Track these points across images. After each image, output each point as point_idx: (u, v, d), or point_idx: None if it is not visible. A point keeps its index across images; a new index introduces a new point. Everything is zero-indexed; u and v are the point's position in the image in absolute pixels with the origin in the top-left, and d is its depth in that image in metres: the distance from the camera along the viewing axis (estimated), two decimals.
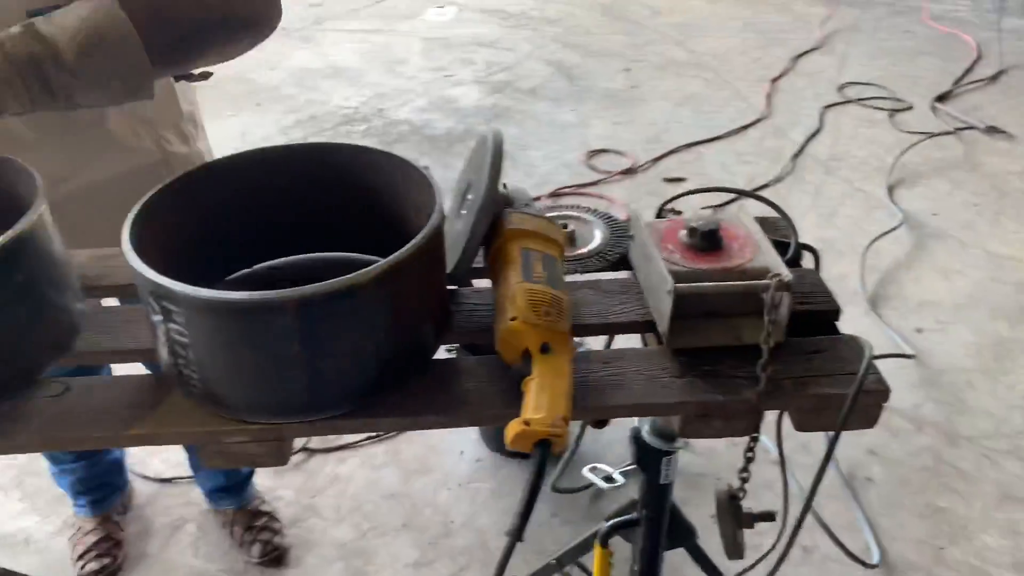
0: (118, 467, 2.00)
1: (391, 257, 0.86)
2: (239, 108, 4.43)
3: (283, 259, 1.18)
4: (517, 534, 0.81)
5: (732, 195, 2.81)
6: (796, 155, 3.77)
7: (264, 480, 2.14)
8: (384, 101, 4.50)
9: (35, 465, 2.17)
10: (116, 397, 0.94)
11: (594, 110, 4.36)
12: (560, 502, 2.05)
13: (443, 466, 2.18)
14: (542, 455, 0.84)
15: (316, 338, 0.85)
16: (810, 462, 2.16)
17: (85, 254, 1.17)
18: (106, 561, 1.88)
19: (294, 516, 2.04)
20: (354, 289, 0.84)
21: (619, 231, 1.23)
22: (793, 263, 1.17)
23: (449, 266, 1.08)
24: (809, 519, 1.95)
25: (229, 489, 1.95)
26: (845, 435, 2.30)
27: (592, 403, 0.95)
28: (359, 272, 0.84)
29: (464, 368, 0.99)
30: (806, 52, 4.93)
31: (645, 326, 1.08)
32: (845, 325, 1.08)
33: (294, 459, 2.20)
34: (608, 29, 5.58)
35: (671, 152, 3.86)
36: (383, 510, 2.05)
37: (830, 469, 2.14)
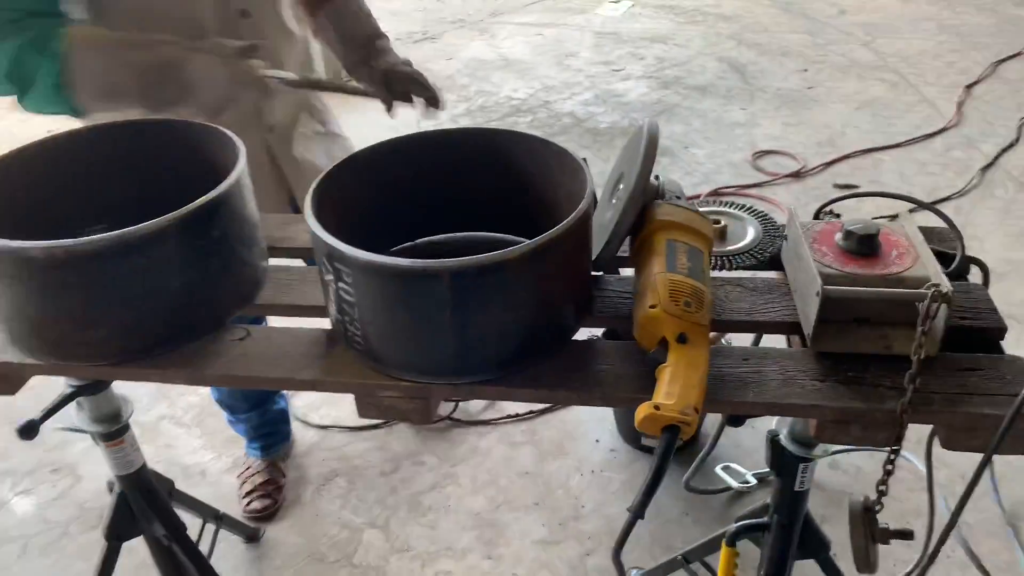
0: (284, 417, 2.20)
1: (539, 237, 0.91)
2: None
3: (443, 235, 1.26)
4: (639, 511, 0.84)
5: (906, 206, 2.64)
6: (986, 168, 3.49)
7: (409, 444, 2.27)
8: (551, 94, 4.58)
9: (214, 407, 2.41)
10: (289, 346, 1.05)
11: (765, 110, 4.22)
12: (693, 502, 2.04)
13: (578, 452, 2.22)
14: (669, 440, 0.86)
15: (466, 307, 0.91)
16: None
17: (273, 218, 1.30)
18: (268, 502, 2.07)
19: (433, 481, 2.15)
20: (503, 264, 0.90)
21: (773, 230, 1.22)
22: (958, 276, 1.11)
23: (596, 252, 1.11)
24: (962, 555, 1.84)
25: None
26: (1016, 472, 2.16)
27: (725, 397, 0.96)
28: (509, 249, 0.89)
29: (601, 350, 1.03)
30: (1010, 57, 4.53)
31: (790, 327, 1.07)
32: (1022, 352, 1.01)
33: (438, 427, 2.31)
34: (788, 27, 5.37)
35: (845, 157, 3.68)
36: (517, 486, 2.12)
37: (993, 505, 1.99)
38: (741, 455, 2.15)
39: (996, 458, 2.26)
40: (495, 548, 1.97)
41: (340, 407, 2.38)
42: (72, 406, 1.30)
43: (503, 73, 4.91)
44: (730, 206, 1.28)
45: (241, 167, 1.07)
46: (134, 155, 1.22)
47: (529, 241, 0.91)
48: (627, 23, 5.69)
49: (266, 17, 1.51)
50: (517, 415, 2.33)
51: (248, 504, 2.06)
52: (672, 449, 0.85)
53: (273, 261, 1.20)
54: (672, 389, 0.88)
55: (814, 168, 3.61)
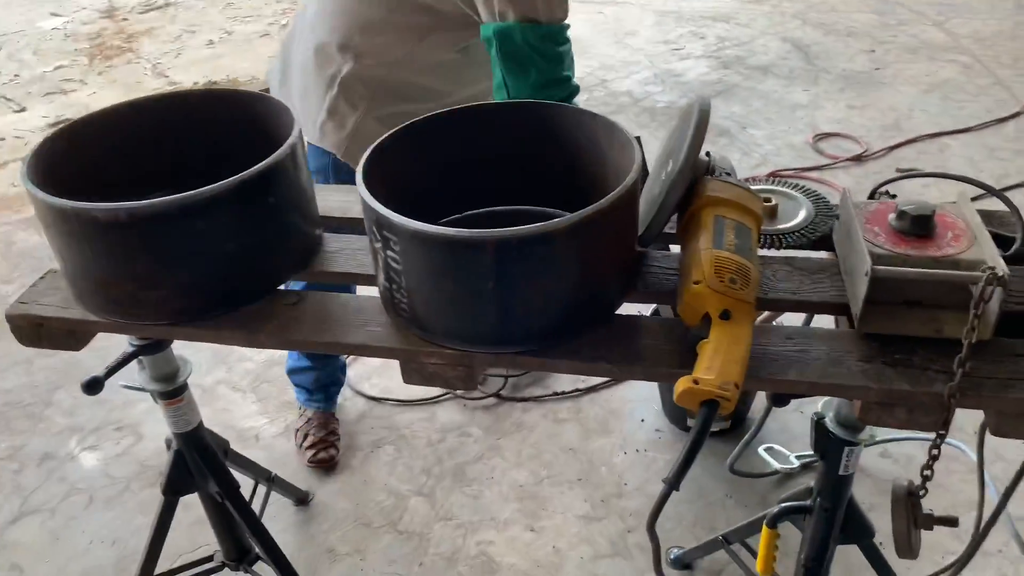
0: (343, 369, 2.28)
1: (585, 209, 0.91)
2: None
3: (488, 208, 1.28)
4: (674, 482, 0.84)
5: (982, 190, 2.55)
6: None
7: (457, 416, 2.30)
8: (609, 72, 4.53)
9: (269, 373, 2.49)
10: (339, 311, 1.08)
11: (828, 91, 4.11)
12: (737, 484, 2.03)
13: (622, 430, 2.22)
14: (707, 414, 0.86)
15: (509, 277, 0.92)
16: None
17: (329, 188, 1.33)
18: (333, 452, 2.15)
19: (479, 452, 2.18)
20: (548, 236, 0.91)
21: (825, 210, 1.20)
22: (1017, 260, 1.08)
23: (643, 227, 1.11)
24: (1015, 551, 1.80)
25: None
26: None
27: (767, 374, 0.95)
28: (554, 220, 0.90)
29: (644, 325, 1.03)
30: None
31: (839, 308, 1.06)
32: None
33: (485, 402, 2.34)
34: (857, 7, 5.21)
35: (910, 141, 3.57)
36: (561, 461, 2.14)
37: None
38: (788, 439, 2.13)
39: None
40: (537, 521, 1.99)
41: (391, 378, 2.42)
42: (135, 365, 1.36)
43: None
44: (784, 185, 1.26)
45: (295, 136, 1.09)
46: (196, 124, 1.25)
47: (574, 213, 0.91)
48: (690, 1, 5.58)
49: None
50: (563, 393, 2.34)
51: (315, 455, 2.14)
52: (710, 423, 0.86)
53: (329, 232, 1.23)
54: (712, 364, 0.88)
55: (877, 152, 3.51)
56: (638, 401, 2.30)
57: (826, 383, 0.94)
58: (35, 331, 1.11)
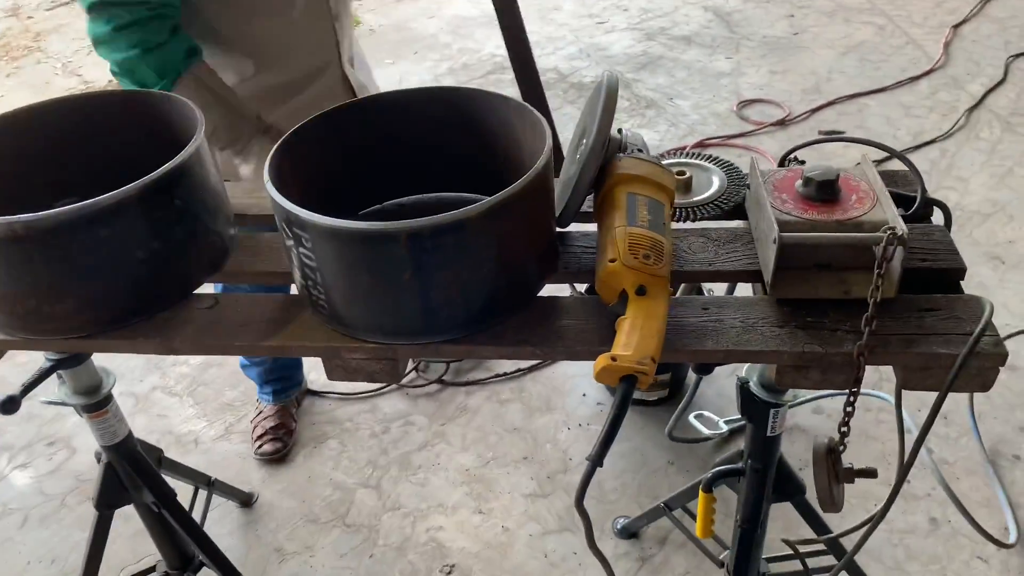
0: (296, 363, 2.25)
1: (497, 195, 0.91)
2: (398, 56, 4.60)
3: (409, 197, 1.27)
4: (597, 459, 0.86)
5: (887, 152, 2.62)
6: (971, 109, 3.46)
7: (400, 405, 2.29)
8: (535, 49, 4.50)
9: (205, 375, 2.44)
10: (257, 312, 1.07)
11: (751, 58, 4.17)
12: (678, 451, 2.07)
13: (565, 406, 2.25)
14: (626, 389, 0.87)
15: (426, 268, 0.92)
16: (950, 434, 2.05)
17: (240, 186, 1.30)
18: (278, 445, 2.13)
19: (424, 440, 2.18)
20: (462, 223, 0.90)
21: (737, 180, 1.22)
22: (919, 219, 1.12)
23: (560, 208, 1.12)
24: (942, 493, 1.88)
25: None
26: (996, 410, 2.20)
27: (685, 346, 0.97)
28: (467, 208, 0.90)
29: (564, 305, 1.04)
30: None
31: (753, 276, 1.08)
32: (1006, 292, 1.02)
33: (428, 389, 2.34)
34: None
35: (830, 103, 3.65)
36: (506, 442, 2.15)
37: (974, 443, 2.02)
38: (725, 404, 2.18)
39: (977, 397, 2.29)
40: (485, 503, 2.01)
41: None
42: (55, 380, 1.32)
43: (486, 30, 4.84)
44: (696, 157, 1.28)
45: (200, 137, 1.06)
46: (99, 127, 1.21)
47: (487, 199, 0.91)
48: None
49: None
50: (506, 373, 2.35)
51: (259, 447, 2.13)
52: (629, 398, 0.87)
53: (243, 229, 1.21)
54: (630, 340, 0.89)
55: (799, 115, 3.59)
56: (579, 376, 2.32)
57: (741, 350, 0.96)
58: None
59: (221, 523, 1.97)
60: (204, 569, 1.66)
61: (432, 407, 2.30)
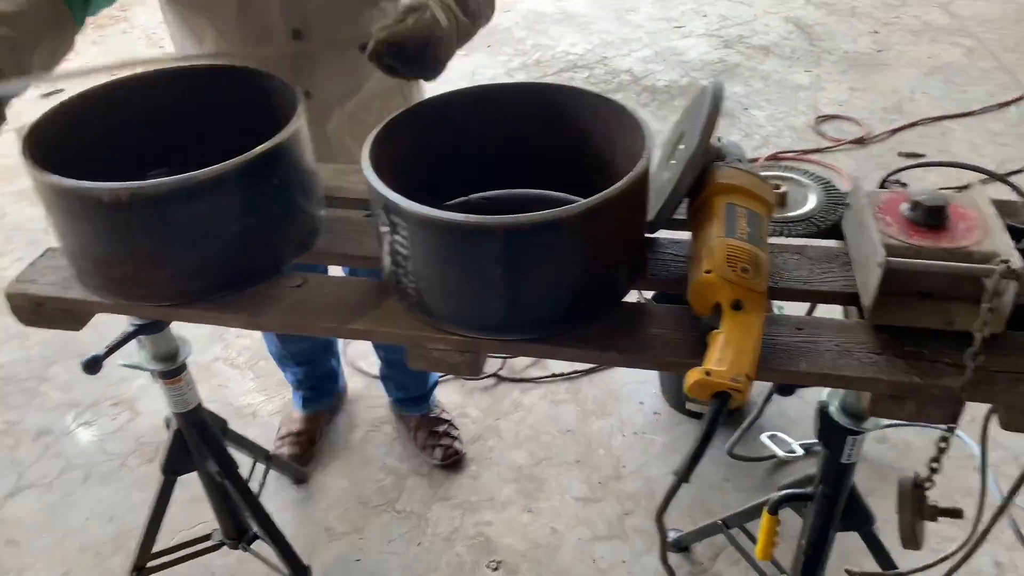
0: (332, 376, 2.22)
1: (595, 197, 0.90)
2: (471, 48, 4.58)
3: (497, 191, 1.26)
4: (684, 474, 0.84)
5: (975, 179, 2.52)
6: None
7: (454, 397, 2.30)
8: (609, 49, 4.49)
9: (267, 350, 2.47)
10: (344, 295, 1.07)
11: (831, 73, 4.08)
12: (735, 468, 2.03)
13: (621, 413, 2.22)
14: (719, 406, 0.85)
15: (519, 264, 0.91)
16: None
17: (329, 168, 1.31)
18: (296, 451, 2.10)
19: (477, 433, 2.18)
20: (557, 223, 0.89)
21: (835, 198, 1.18)
22: None
23: (652, 214, 1.10)
24: (1011, 537, 1.81)
25: (415, 399, 2.13)
26: None
27: (777, 365, 0.94)
28: (564, 207, 0.89)
29: (652, 313, 1.02)
30: None
31: (848, 298, 1.05)
32: None
33: (483, 383, 2.34)
34: None
35: (912, 124, 3.55)
36: (559, 443, 2.14)
37: None
38: (786, 425, 2.13)
39: None
40: (535, 502, 2.00)
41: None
42: (134, 344, 1.35)
43: (561, 27, 4.83)
44: (793, 171, 1.25)
45: (299, 116, 1.07)
46: (197, 100, 1.23)
47: (584, 200, 0.90)
48: None
49: None
50: (562, 374, 2.34)
51: (278, 447, 2.11)
52: (720, 415, 0.85)
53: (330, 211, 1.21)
54: (724, 355, 0.87)
55: (879, 135, 3.49)
56: (636, 383, 2.30)
57: (836, 375, 0.93)
58: (34, 311, 1.10)
59: (274, 498, 2.00)
60: (257, 541, 1.69)
61: (487, 401, 2.29)
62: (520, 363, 2.39)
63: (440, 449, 2.08)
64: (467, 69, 4.32)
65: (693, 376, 0.86)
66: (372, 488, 2.05)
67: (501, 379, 2.35)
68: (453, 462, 2.08)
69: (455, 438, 2.12)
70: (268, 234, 1.06)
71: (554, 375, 2.34)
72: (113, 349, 1.25)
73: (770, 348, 0.96)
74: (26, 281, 1.11)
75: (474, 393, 2.32)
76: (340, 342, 2.27)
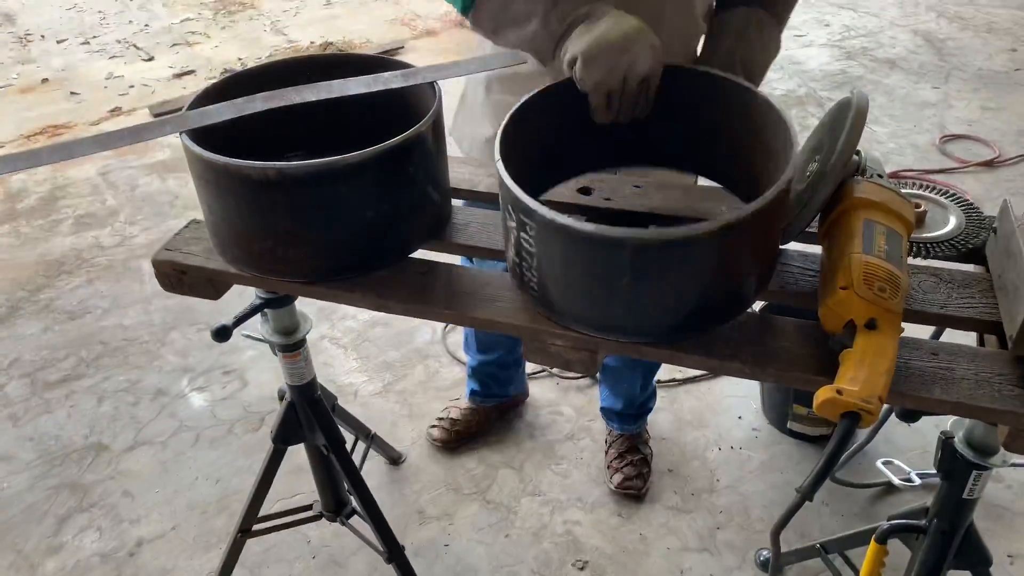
0: (507, 379, 2.15)
1: (728, 215, 0.88)
2: None
3: (621, 167, 1.25)
4: (808, 493, 0.82)
5: None
6: None
7: (549, 394, 2.31)
8: None
9: (371, 332, 2.55)
10: (467, 284, 1.09)
11: (961, 90, 3.89)
12: (835, 492, 1.97)
13: (718, 425, 2.19)
14: (848, 426, 0.83)
15: (646, 276, 0.90)
16: None
17: (456, 160, 1.34)
18: (444, 436, 2.12)
19: (570, 431, 2.19)
20: (689, 241, 0.88)
21: (978, 221, 1.13)
22: None
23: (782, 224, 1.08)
24: None
25: (619, 415, 2.06)
26: None
27: (910, 391, 0.91)
28: (696, 226, 0.87)
29: (778, 325, 1.00)
30: None
31: (989, 326, 1.00)
32: None
33: (579, 382, 2.34)
34: (1000, 1, 4.89)
35: None
36: (653, 450, 2.12)
37: None
38: (892, 452, 2.05)
39: None
40: (625, 507, 1.98)
41: None
42: (257, 316, 1.41)
43: None
44: (931, 190, 1.20)
45: (437, 109, 1.10)
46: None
47: (720, 218, 0.88)
48: None
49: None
50: (659, 381, 2.31)
51: (431, 426, 2.15)
52: (851, 435, 0.83)
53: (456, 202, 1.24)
54: (857, 375, 0.85)
55: (1011, 158, 3.31)
56: (736, 397, 2.25)
57: (972, 405, 0.89)
58: (178, 278, 1.16)
59: (370, 476, 2.04)
60: (354, 517, 1.74)
61: (581, 400, 2.29)
62: None
63: (620, 475, 2.00)
64: None
65: (824, 394, 0.84)
66: (464, 476, 2.08)
67: (597, 380, 2.34)
68: (628, 494, 1.99)
69: (641, 475, 2.00)
70: (399, 221, 1.10)
71: None
72: (241, 320, 1.31)
73: (902, 371, 0.92)
74: (172, 250, 1.18)
75: (569, 391, 2.33)
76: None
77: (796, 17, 4.83)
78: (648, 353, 1.00)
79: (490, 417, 2.20)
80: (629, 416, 2.06)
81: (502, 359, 2.08)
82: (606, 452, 2.08)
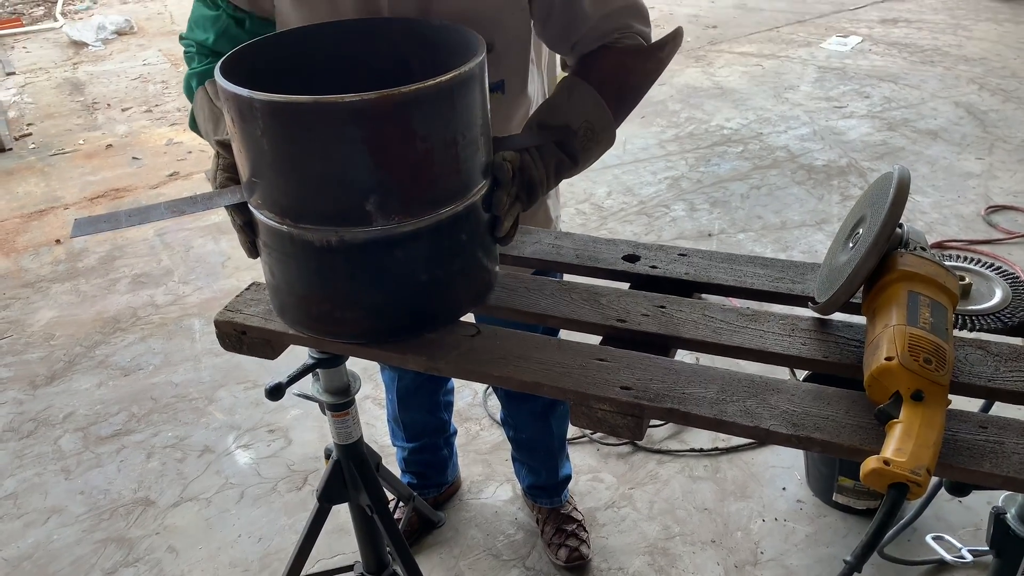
0: (441, 466, 2.15)
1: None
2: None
3: None
4: (857, 565, 0.82)
5: None
6: None
7: (589, 460, 2.30)
8: (765, 126, 4.46)
9: None
10: (513, 347, 1.12)
11: (1005, 161, 3.88)
12: (884, 569, 1.92)
13: (762, 496, 2.15)
14: (896, 497, 0.83)
15: None
16: None
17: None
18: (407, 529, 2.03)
19: (610, 499, 2.17)
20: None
21: (1023, 295, 1.14)
22: None
23: (826, 295, 1.10)
24: None
25: (546, 488, 2.06)
26: None
27: (958, 463, 0.91)
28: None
29: (823, 394, 1.01)
30: None
31: None
32: None
33: (619, 449, 2.33)
34: None
35: None
36: (694, 520, 2.09)
37: None
38: (942, 528, 1.99)
39: None
40: None
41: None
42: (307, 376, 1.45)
43: (716, 102, 4.85)
44: (976, 263, 1.21)
45: (488, 175, 1.15)
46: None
47: None
48: (854, 59, 5.43)
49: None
50: (702, 450, 2.30)
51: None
52: (899, 507, 0.83)
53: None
54: (904, 446, 0.85)
55: None
56: (780, 467, 2.23)
57: None
58: (238, 338, 1.21)
59: (409, 538, 2.05)
60: None
61: (622, 468, 2.28)
62: (658, 433, 2.37)
63: (566, 550, 2.00)
64: (619, 139, 4.41)
65: (871, 464, 0.84)
66: (504, 542, 2.07)
67: (638, 448, 2.33)
68: (576, 566, 2.00)
69: (583, 540, 2.03)
70: (450, 285, 1.14)
71: (693, 450, 2.31)
72: (294, 379, 1.35)
73: (950, 444, 0.92)
74: (233, 311, 1.23)
75: (609, 459, 2.32)
76: (456, 429, 2.20)
77: (836, 87, 4.90)
78: (695, 420, 1.01)
79: (425, 508, 2.03)
80: (554, 486, 2.06)
81: (433, 443, 2.08)
82: (542, 532, 2.06)
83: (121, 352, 2.90)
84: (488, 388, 2.56)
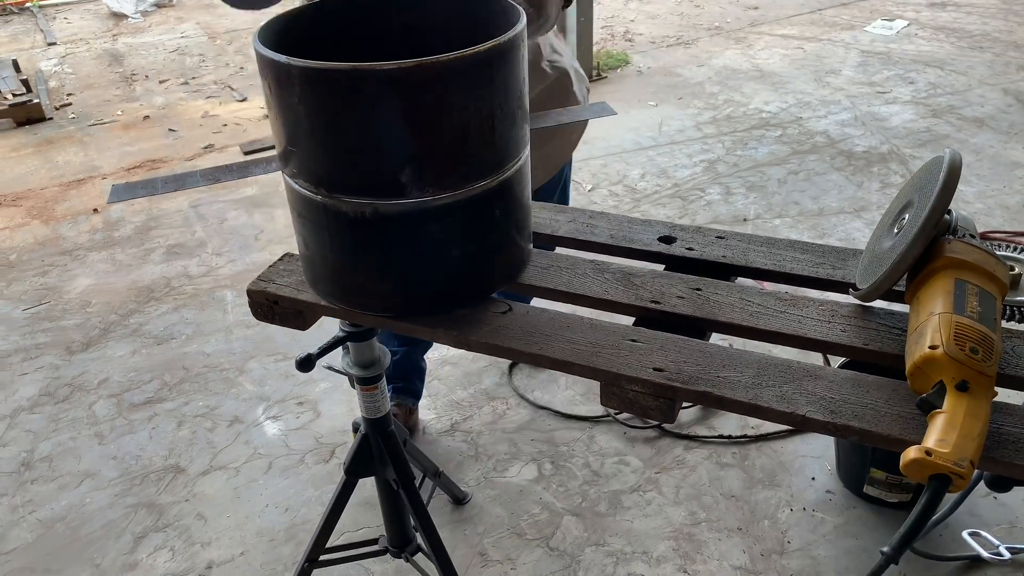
0: (419, 375, 2.36)
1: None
2: (661, 99, 4.64)
3: None
4: (895, 555, 0.80)
5: None
6: None
7: (616, 443, 2.29)
8: (805, 110, 4.38)
9: (441, 371, 2.58)
10: (542, 325, 1.11)
11: None
12: (915, 564, 1.88)
13: (791, 485, 2.13)
14: (937, 489, 0.81)
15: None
16: None
17: (537, 205, 1.37)
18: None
19: (636, 483, 2.16)
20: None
21: None
22: None
23: (868, 281, 1.07)
24: None
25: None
26: None
27: (1003, 457, 0.88)
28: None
29: (862, 382, 0.98)
30: None
31: None
32: None
33: (646, 433, 2.31)
34: None
35: None
36: (721, 507, 2.07)
37: None
38: (976, 524, 1.95)
39: None
40: (691, 563, 1.94)
41: (553, 392, 2.45)
42: (337, 349, 1.45)
43: (755, 84, 4.77)
44: None
45: (524, 156, 1.13)
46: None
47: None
48: (899, 43, 5.29)
49: None
50: (730, 437, 2.27)
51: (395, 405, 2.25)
52: (940, 499, 0.81)
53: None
54: (947, 437, 0.82)
55: None
56: (810, 457, 2.19)
57: None
58: (270, 308, 1.21)
59: (435, 514, 2.05)
60: (418, 554, 1.75)
61: (648, 452, 2.27)
62: (686, 419, 2.35)
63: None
64: (654, 120, 4.36)
65: (912, 454, 0.82)
66: (528, 521, 2.07)
67: (665, 432, 2.31)
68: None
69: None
70: (483, 261, 1.13)
71: (721, 436, 2.28)
72: (325, 351, 1.35)
73: (994, 436, 0.89)
74: (266, 280, 1.23)
75: (636, 442, 2.30)
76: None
77: (879, 72, 4.79)
78: (729, 404, 0.99)
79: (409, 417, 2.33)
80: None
81: (418, 361, 2.30)
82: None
83: (154, 321, 2.93)
84: (513, 368, 2.56)
